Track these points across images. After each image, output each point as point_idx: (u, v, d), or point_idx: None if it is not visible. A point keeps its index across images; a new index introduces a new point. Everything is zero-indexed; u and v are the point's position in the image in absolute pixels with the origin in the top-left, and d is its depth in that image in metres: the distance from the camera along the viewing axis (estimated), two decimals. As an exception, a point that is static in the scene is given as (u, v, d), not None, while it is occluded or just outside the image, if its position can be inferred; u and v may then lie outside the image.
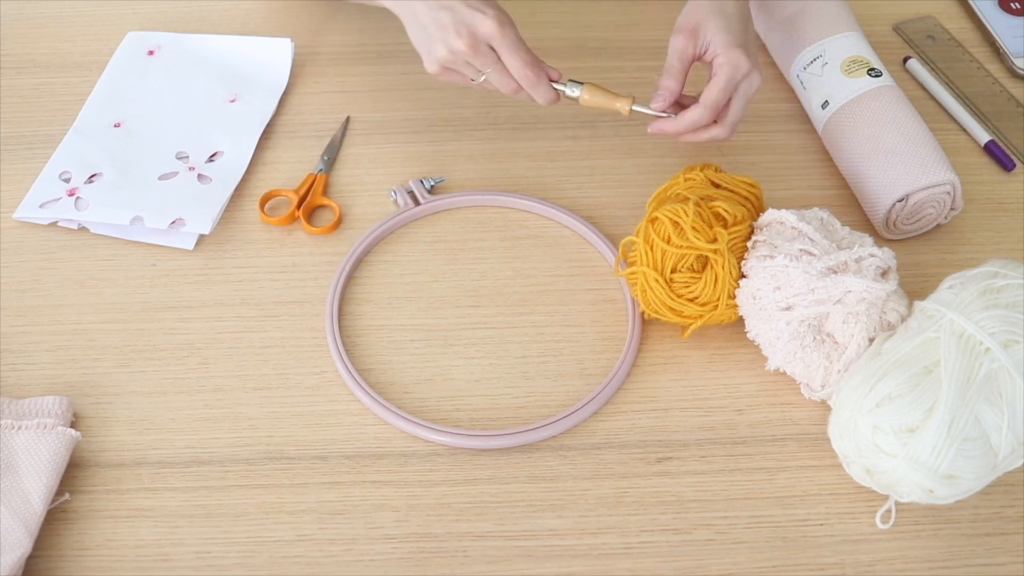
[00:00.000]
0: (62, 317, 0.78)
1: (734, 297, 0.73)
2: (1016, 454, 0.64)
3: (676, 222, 0.72)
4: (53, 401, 0.71)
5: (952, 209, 0.82)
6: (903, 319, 0.71)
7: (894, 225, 0.81)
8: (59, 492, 0.68)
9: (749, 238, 0.74)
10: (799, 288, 0.70)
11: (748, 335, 0.74)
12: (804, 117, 0.90)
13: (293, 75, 0.93)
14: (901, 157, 0.80)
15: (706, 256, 0.72)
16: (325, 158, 0.87)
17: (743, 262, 0.73)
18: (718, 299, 0.72)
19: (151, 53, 0.95)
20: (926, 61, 0.95)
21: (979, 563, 0.66)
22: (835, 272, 0.70)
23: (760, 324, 0.73)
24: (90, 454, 0.70)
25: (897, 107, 0.83)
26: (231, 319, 0.78)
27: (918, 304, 0.69)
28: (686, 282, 0.72)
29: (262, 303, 0.79)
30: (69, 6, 1.00)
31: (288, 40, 0.94)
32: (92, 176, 0.85)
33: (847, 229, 0.74)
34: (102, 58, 0.95)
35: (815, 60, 0.88)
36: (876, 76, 0.85)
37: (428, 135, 0.89)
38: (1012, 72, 0.94)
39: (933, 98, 0.92)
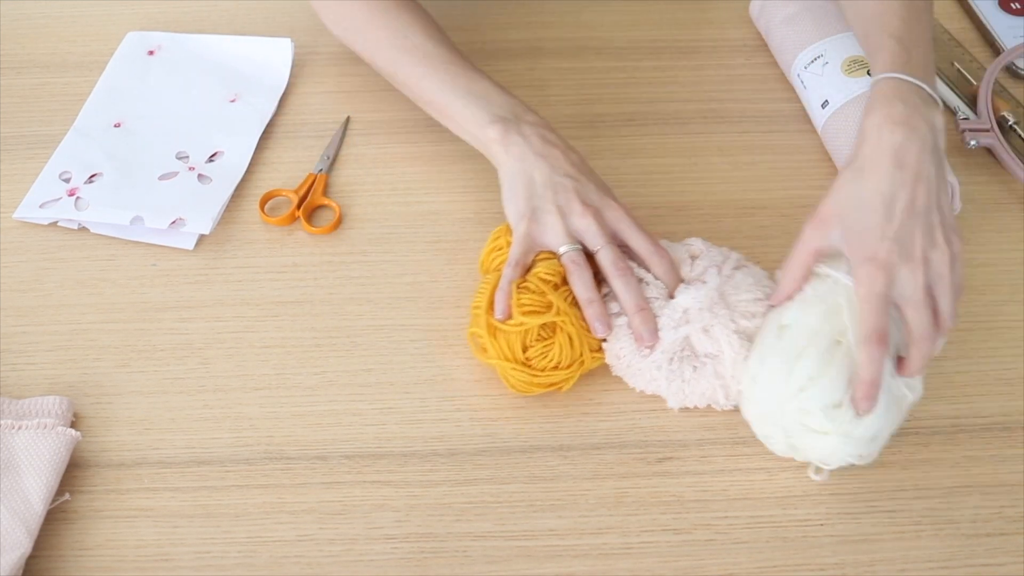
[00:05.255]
0: (62, 317, 0.78)
1: (595, 349, 0.72)
2: (917, 392, 0.67)
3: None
4: (53, 401, 0.71)
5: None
6: (748, 290, 0.72)
7: (894, 225, 0.81)
8: (59, 492, 0.68)
9: None
10: None
11: (643, 393, 0.73)
12: (804, 117, 0.90)
13: (293, 75, 0.94)
14: (901, 157, 0.80)
15: (553, 322, 0.71)
16: (325, 158, 0.88)
17: None
18: (580, 356, 0.72)
19: (151, 53, 0.95)
20: (926, 61, 0.95)
21: (979, 563, 0.66)
22: (670, 298, 0.72)
23: (638, 378, 0.73)
24: (90, 454, 0.70)
25: (897, 107, 0.83)
26: (231, 319, 0.78)
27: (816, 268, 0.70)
28: (542, 352, 0.71)
29: (262, 303, 0.79)
30: (69, 6, 1.00)
31: (288, 40, 0.94)
32: (92, 176, 0.85)
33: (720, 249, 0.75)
34: (102, 58, 0.95)
35: (816, 59, 0.88)
36: (876, 76, 0.85)
37: (428, 135, 0.89)
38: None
39: (933, 98, 0.92)
